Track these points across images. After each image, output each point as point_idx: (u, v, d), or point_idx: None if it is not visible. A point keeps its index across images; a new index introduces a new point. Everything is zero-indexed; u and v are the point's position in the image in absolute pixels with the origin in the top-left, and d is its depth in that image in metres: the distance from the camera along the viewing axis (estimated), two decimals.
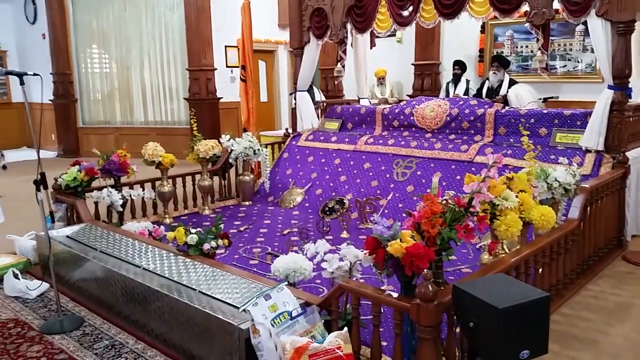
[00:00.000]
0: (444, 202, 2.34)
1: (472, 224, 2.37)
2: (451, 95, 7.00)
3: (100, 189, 4.52)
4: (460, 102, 5.23)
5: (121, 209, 4.53)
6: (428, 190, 4.41)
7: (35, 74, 3.11)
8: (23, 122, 11.34)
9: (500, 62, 6.42)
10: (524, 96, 5.85)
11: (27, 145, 11.42)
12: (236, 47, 9.81)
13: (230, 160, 5.56)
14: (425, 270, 2.05)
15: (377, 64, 7.99)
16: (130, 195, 4.68)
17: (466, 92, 6.98)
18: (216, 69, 9.19)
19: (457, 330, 2.24)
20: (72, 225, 4.09)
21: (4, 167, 7.29)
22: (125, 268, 3.17)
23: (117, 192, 4.49)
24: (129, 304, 3.07)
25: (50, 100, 9.87)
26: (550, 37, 6.09)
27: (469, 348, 2.08)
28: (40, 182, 3.04)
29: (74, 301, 3.49)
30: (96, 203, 4.53)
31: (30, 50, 10.88)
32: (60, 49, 9.81)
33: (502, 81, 6.38)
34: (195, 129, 5.63)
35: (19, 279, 3.69)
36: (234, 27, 8.95)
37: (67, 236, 3.81)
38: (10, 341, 2.98)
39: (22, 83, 3.04)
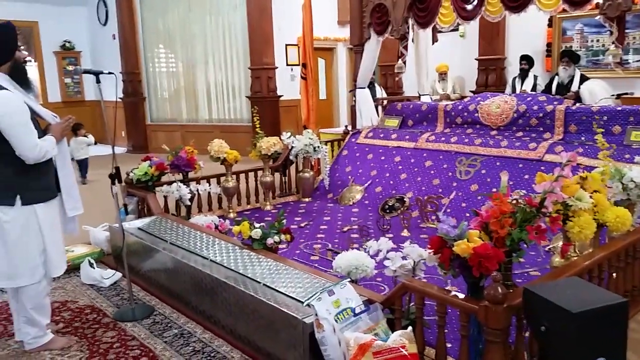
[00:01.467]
0: (514, 201, 2.28)
1: (544, 225, 2.29)
2: (518, 91, 6.78)
3: (169, 183, 4.72)
4: (528, 98, 5.05)
5: (189, 203, 4.70)
6: (494, 190, 4.31)
7: (110, 73, 3.28)
8: (95, 119, 11.93)
9: (571, 57, 6.15)
10: (598, 92, 5.57)
11: (100, 142, 12.00)
12: (296, 45, 9.92)
13: (291, 157, 5.64)
14: (494, 272, 2.01)
15: (439, 60, 7.84)
16: (197, 190, 4.85)
17: (534, 88, 6.73)
18: (277, 67, 9.32)
19: (526, 334, 2.18)
20: (143, 218, 4.29)
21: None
22: (193, 259, 3.29)
23: (185, 186, 4.67)
24: (197, 294, 3.19)
25: (120, 98, 10.34)
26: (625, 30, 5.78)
27: (540, 353, 2.01)
28: (115, 176, 3.20)
29: (144, 290, 3.66)
30: (165, 197, 4.73)
31: (101, 50, 11.44)
32: (129, 49, 10.26)
33: (572, 77, 6.10)
34: (257, 126, 5.74)
35: (93, 268, 3.91)
36: (294, 25, 9.05)
37: (139, 228, 4.00)
38: (87, 326, 3.17)
39: (98, 81, 3.20)
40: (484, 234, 2.22)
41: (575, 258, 2.68)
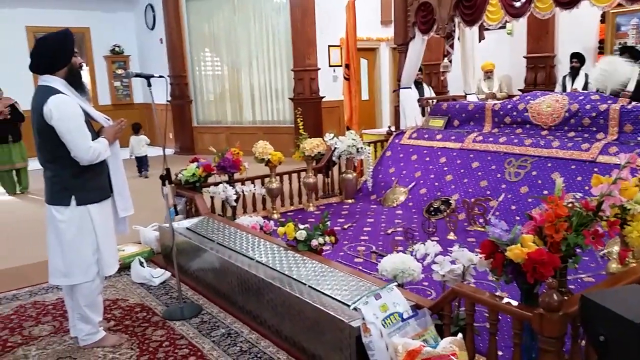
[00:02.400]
0: (570, 205, 2.19)
1: (601, 229, 2.19)
2: (568, 89, 6.55)
3: (216, 184, 4.80)
4: (581, 97, 4.86)
5: (235, 204, 4.77)
6: (545, 192, 4.18)
7: (160, 76, 3.36)
8: (144, 121, 12.25)
9: (632, 54, 5.84)
10: None
11: (147, 143, 12.35)
12: (339, 46, 9.92)
13: (334, 158, 5.63)
14: (549, 278, 1.93)
15: (485, 58, 7.69)
16: (242, 191, 4.91)
17: (585, 87, 6.48)
18: (319, 68, 9.34)
19: (582, 343, 2.09)
20: (191, 218, 4.37)
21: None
22: (240, 260, 3.33)
23: (231, 187, 4.74)
24: (243, 294, 3.22)
25: (168, 101, 10.60)
26: None
27: None
28: (166, 177, 3.27)
29: (192, 289, 3.73)
30: (212, 197, 4.81)
31: (149, 54, 11.77)
32: (176, 53, 10.50)
33: None
34: (301, 127, 5.77)
35: (143, 267, 4.01)
36: (337, 27, 9.06)
37: (187, 228, 4.08)
38: (137, 324, 3.25)
39: (149, 85, 3.26)
40: (537, 238, 2.15)
41: (634, 264, 2.55)
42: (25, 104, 6.57)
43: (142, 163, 8.34)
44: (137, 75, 3.35)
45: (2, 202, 7.14)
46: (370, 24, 10.30)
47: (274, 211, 5.20)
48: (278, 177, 5.26)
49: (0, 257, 4.72)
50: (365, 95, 10.85)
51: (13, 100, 7.30)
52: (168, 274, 3.96)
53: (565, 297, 2.12)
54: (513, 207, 4.35)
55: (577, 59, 6.68)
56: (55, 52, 2.73)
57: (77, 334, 2.98)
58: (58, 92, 2.68)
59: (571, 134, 4.72)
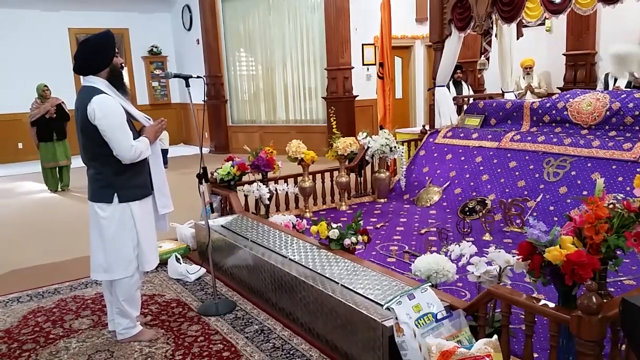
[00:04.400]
0: (611, 206, 2.13)
1: None
2: (611, 87, 6.34)
3: (250, 183, 4.86)
4: (623, 95, 4.70)
5: (268, 202, 4.82)
6: (585, 193, 4.06)
7: (198, 77, 3.42)
8: (180, 121, 12.53)
9: None
10: None
11: (184, 142, 12.62)
12: (372, 44, 9.88)
13: (367, 158, 5.61)
14: (588, 281, 1.88)
15: (523, 55, 7.52)
16: (276, 190, 4.96)
17: (628, 85, 6.26)
18: (353, 67, 9.32)
19: (623, 347, 2.03)
20: (226, 216, 4.44)
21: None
22: (273, 258, 3.36)
23: (264, 186, 4.78)
24: (276, 291, 3.25)
25: (204, 100, 10.80)
26: None
27: None
28: (203, 176, 3.33)
29: (227, 286, 3.79)
30: (246, 196, 4.87)
31: (186, 54, 11.99)
32: (212, 53, 10.66)
33: None
34: (334, 126, 5.77)
35: (180, 263, 4.09)
36: (371, 25, 9.03)
37: (222, 225, 4.14)
38: (173, 319, 3.32)
39: (187, 85, 3.32)
40: (577, 240, 2.09)
41: None
42: (68, 104, 6.84)
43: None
44: (176, 76, 3.41)
45: (45, 199, 7.40)
46: (405, 22, 10.22)
47: (307, 210, 5.23)
48: (311, 176, 5.28)
49: (42, 252, 4.90)
50: (399, 94, 10.77)
51: (60, 100, 7.57)
52: (203, 270, 4.03)
53: (605, 300, 2.07)
54: (551, 208, 4.25)
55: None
56: (97, 54, 2.81)
57: (115, 328, 3.07)
58: (101, 92, 2.76)
59: (612, 133, 4.58)
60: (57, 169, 7.75)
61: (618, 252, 2.14)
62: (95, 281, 3.80)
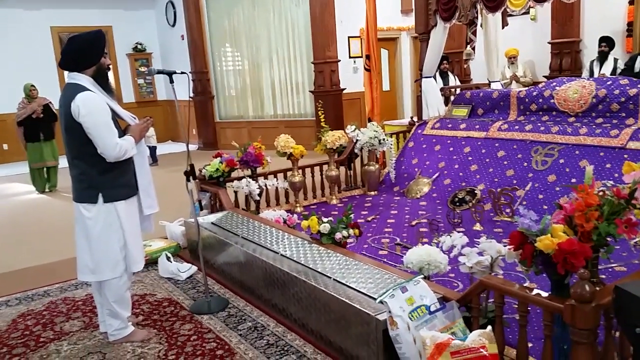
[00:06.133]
0: (601, 193, 2.13)
1: (634, 217, 2.13)
2: (596, 75, 6.38)
3: (239, 179, 4.82)
4: (609, 82, 4.73)
5: (258, 198, 4.79)
6: (573, 180, 4.08)
7: (182, 72, 3.37)
8: (167, 118, 12.42)
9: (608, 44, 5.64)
10: None
11: (172, 139, 12.51)
12: (358, 37, 9.86)
13: (356, 151, 5.60)
14: (581, 269, 1.89)
15: (508, 45, 7.54)
16: (265, 185, 4.93)
17: (614, 72, 6.31)
18: (339, 60, 9.29)
19: (617, 334, 2.04)
20: (216, 213, 4.40)
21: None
22: (265, 254, 3.34)
23: (254, 182, 4.75)
24: (269, 287, 3.24)
25: (190, 97, 10.70)
26: None
27: (634, 356, 1.87)
28: (190, 173, 3.29)
29: (219, 283, 3.76)
30: (235, 192, 4.84)
31: (171, 51, 11.87)
32: (197, 49, 10.55)
33: None
34: (322, 120, 5.75)
35: (170, 262, 4.06)
36: (356, 17, 9.00)
37: (212, 223, 4.11)
38: (165, 319, 3.29)
39: (171, 81, 3.28)
40: (568, 228, 2.09)
41: None
42: (53, 103, 6.74)
43: (151, 153, 8.64)
44: (160, 72, 3.36)
45: (33, 200, 7.31)
46: (391, 14, 10.20)
47: (297, 205, 5.21)
48: (300, 171, 5.25)
49: (31, 253, 4.83)
50: (386, 86, 10.76)
51: (48, 100, 7.47)
52: (195, 268, 4.00)
53: (598, 288, 2.07)
54: (540, 197, 4.27)
55: (606, 43, 6.50)
56: (86, 51, 2.78)
57: (107, 329, 3.03)
58: (85, 89, 2.72)
59: (599, 120, 4.60)
60: (45, 169, 7.66)
61: (609, 240, 2.15)
62: (85, 282, 3.75)
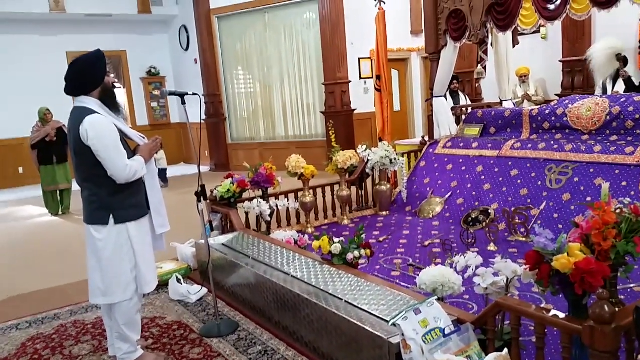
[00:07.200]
0: (618, 211, 2.08)
1: None
2: (609, 92, 6.31)
3: (250, 199, 4.81)
4: (622, 99, 4.67)
5: (269, 219, 4.76)
6: (589, 199, 4.01)
7: (194, 94, 3.39)
8: (180, 140, 12.53)
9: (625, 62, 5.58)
10: None
11: (184, 161, 12.61)
12: (369, 58, 9.91)
13: (367, 170, 5.58)
14: (599, 289, 1.83)
15: (519, 63, 7.51)
16: (276, 206, 4.91)
17: (628, 89, 6.24)
18: (350, 81, 9.34)
19: (639, 358, 1.96)
20: (227, 234, 4.38)
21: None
22: (275, 275, 3.30)
23: (265, 202, 4.74)
24: (279, 310, 3.19)
25: (203, 119, 10.79)
26: None
27: None
28: (201, 194, 3.29)
29: (229, 306, 3.72)
30: (247, 213, 4.82)
31: (184, 74, 12.03)
32: (210, 72, 10.69)
33: None
34: (333, 140, 5.74)
35: (181, 284, 4.03)
36: (367, 39, 9.04)
37: (223, 244, 4.08)
38: (174, 342, 3.25)
39: (183, 103, 3.31)
40: (585, 247, 2.04)
41: None
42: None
43: (161, 175, 8.68)
44: (172, 94, 3.39)
45: (45, 223, 7.36)
46: (401, 35, 10.25)
47: (308, 225, 5.17)
48: (311, 191, 5.24)
49: (43, 276, 4.84)
50: (397, 106, 10.76)
51: (61, 124, 7.56)
52: (205, 290, 3.97)
53: (617, 309, 2.01)
54: (555, 215, 4.19)
55: (620, 60, 6.44)
56: (87, 73, 2.77)
57: (116, 353, 2.99)
58: (93, 112, 2.72)
59: (614, 137, 4.54)
60: (58, 192, 7.73)
61: (627, 258, 2.09)
62: (95, 305, 3.73)
